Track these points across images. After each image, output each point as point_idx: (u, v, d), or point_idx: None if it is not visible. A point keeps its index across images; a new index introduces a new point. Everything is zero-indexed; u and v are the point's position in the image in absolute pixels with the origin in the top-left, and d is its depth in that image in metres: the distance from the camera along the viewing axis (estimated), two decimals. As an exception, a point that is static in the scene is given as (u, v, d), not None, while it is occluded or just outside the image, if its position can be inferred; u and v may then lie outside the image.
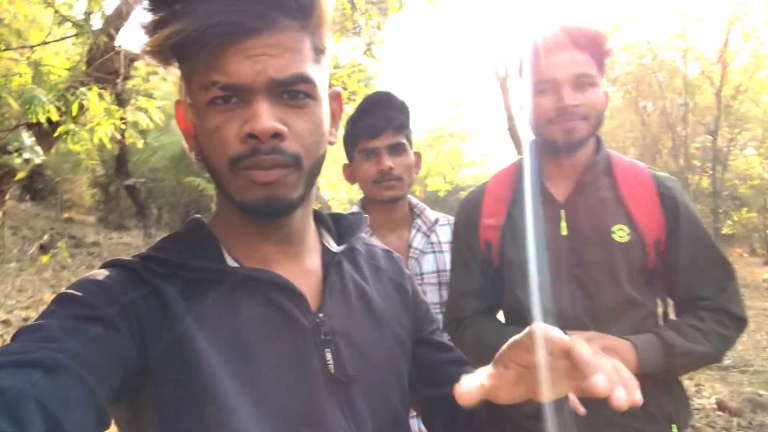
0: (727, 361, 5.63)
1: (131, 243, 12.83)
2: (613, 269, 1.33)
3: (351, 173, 1.76)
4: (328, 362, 0.71)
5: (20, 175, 3.44)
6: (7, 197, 4.06)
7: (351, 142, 1.71)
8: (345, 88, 7.34)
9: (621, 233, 1.33)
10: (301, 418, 0.66)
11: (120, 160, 12.52)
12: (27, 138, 2.95)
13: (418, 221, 1.77)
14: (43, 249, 9.86)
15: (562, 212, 1.39)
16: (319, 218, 0.85)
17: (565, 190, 1.42)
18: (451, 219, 1.82)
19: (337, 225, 0.87)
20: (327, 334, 0.72)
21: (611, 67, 11.57)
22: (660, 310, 1.45)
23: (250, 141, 0.64)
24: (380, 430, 0.73)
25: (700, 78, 9.89)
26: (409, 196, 1.80)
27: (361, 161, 1.68)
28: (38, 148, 3.02)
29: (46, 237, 10.39)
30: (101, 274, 0.66)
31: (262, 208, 0.67)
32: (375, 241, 1.56)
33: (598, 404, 1.04)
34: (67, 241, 11.32)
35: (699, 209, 11.65)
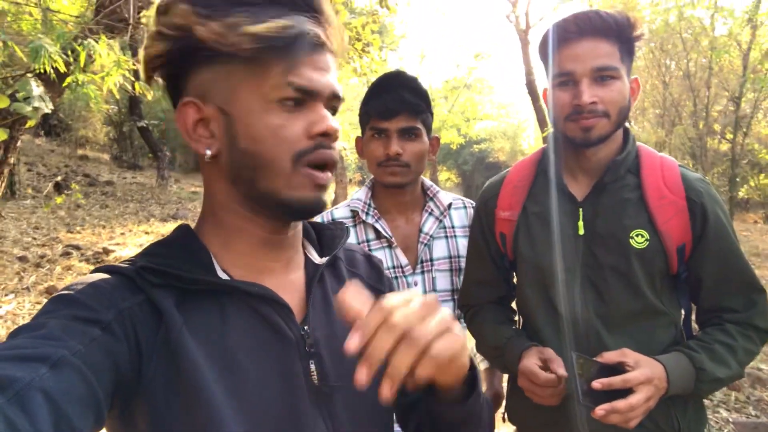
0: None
1: (145, 183, 12.98)
2: (629, 275, 1.27)
3: (362, 148, 1.68)
4: (312, 373, 0.74)
5: (30, 123, 3.46)
6: (18, 143, 4.10)
7: (364, 119, 1.64)
8: (359, 39, 7.17)
9: (639, 238, 1.26)
10: (285, 428, 0.69)
11: (133, 102, 12.50)
12: (35, 87, 2.95)
13: (431, 204, 1.69)
14: (58, 187, 10.01)
15: (581, 211, 1.33)
16: (302, 229, 0.87)
17: (585, 187, 1.35)
18: (467, 201, 1.78)
19: (319, 235, 0.89)
20: (312, 346, 0.74)
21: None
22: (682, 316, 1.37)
23: (320, 139, 0.71)
24: None
25: (728, 39, 9.51)
26: (423, 177, 1.72)
27: (370, 139, 1.60)
28: (47, 98, 3.02)
29: (59, 176, 10.52)
30: (97, 278, 0.67)
31: (312, 206, 0.73)
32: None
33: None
34: (82, 179, 11.47)
35: (715, 173, 11.49)
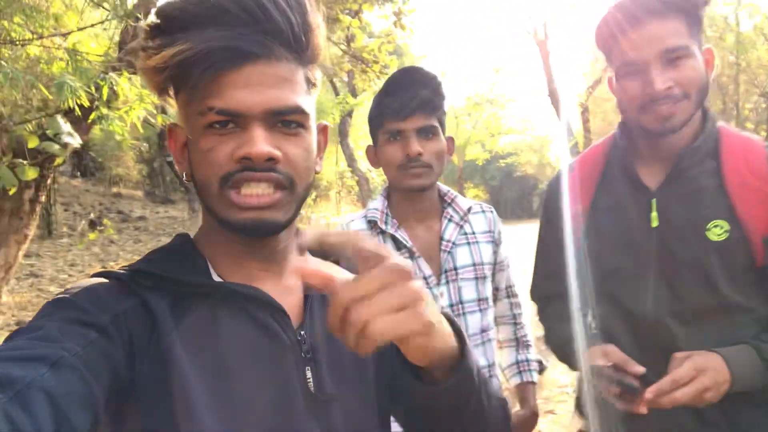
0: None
1: (176, 216, 13.25)
2: (707, 270, 1.17)
3: (375, 156, 1.58)
4: (308, 380, 0.71)
5: (59, 160, 3.56)
6: (49, 180, 4.23)
7: (376, 122, 1.53)
8: (376, 61, 7.22)
9: (718, 230, 1.17)
10: None
11: (162, 137, 12.85)
12: (63, 123, 3.05)
13: (449, 210, 1.60)
14: (92, 224, 10.29)
15: (654, 201, 1.23)
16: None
17: (659, 175, 1.25)
18: (485, 206, 1.70)
19: None
20: (308, 352, 0.72)
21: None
22: None
23: (245, 162, 0.66)
24: None
25: (754, 34, 9.31)
26: (438, 183, 1.63)
27: (386, 143, 1.50)
28: (75, 134, 3.12)
29: (93, 214, 10.82)
30: (93, 282, 0.67)
31: (249, 228, 0.69)
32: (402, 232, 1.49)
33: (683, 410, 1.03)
34: (115, 216, 11.78)
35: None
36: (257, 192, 0.68)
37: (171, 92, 0.72)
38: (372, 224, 1.56)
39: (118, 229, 10.54)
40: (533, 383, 1.72)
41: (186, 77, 0.66)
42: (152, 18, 0.68)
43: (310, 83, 0.74)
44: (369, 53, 7.40)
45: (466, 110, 20.67)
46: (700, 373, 1.06)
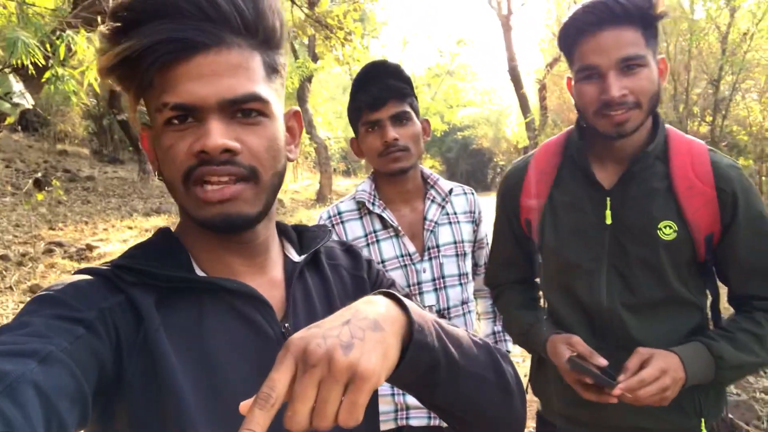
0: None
1: (126, 178, 12.80)
2: (657, 266, 1.27)
3: (359, 147, 1.70)
4: None
5: (9, 120, 3.40)
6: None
7: (355, 116, 1.66)
8: (341, 27, 7.10)
9: (668, 230, 1.25)
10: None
11: (112, 95, 12.27)
12: (15, 82, 2.90)
13: (432, 192, 1.73)
14: (38, 183, 9.84)
15: (608, 200, 1.31)
16: (282, 230, 0.88)
17: (613, 175, 1.32)
18: (466, 188, 1.83)
19: (300, 236, 0.89)
20: None
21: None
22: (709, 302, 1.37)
23: (201, 156, 0.66)
24: None
25: (706, 23, 9.62)
26: (421, 166, 1.77)
27: (365, 134, 1.63)
28: (27, 94, 2.97)
29: (39, 172, 10.34)
30: (77, 279, 0.67)
31: (218, 224, 0.69)
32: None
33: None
34: (62, 174, 11.28)
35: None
36: (217, 186, 0.67)
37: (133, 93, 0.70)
38: (360, 205, 1.69)
39: (66, 189, 10.13)
40: (508, 352, 1.86)
41: (134, 75, 0.65)
42: (108, 21, 0.66)
43: (272, 69, 0.73)
44: (333, 19, 7.26)
45: (426, 80, 20.61)
46: (663, 373, 1.16)
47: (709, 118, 10.65)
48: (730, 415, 1.47)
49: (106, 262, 0.71)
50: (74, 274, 0.69)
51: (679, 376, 1.18)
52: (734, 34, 9.62)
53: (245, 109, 0.68)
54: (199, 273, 0.74)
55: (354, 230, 1.67)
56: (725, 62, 9.03)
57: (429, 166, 27.62)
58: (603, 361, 1.22)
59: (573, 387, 1.27)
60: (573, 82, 1.31)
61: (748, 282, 1.29)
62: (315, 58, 13.06)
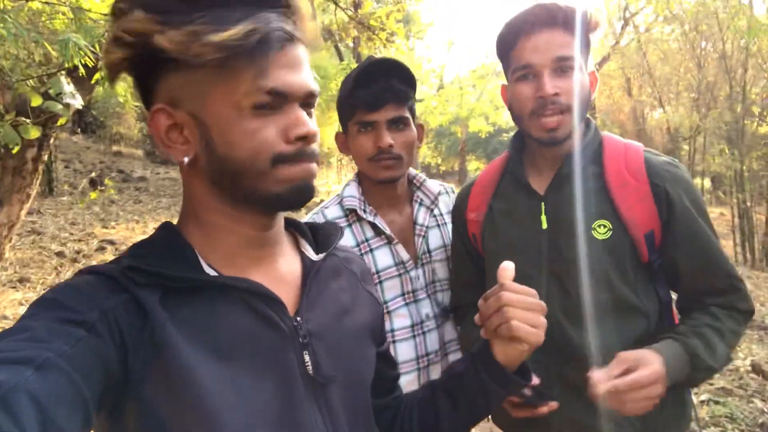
0: (769, 323, 5.48)
1: (177, 178, 13.22)
2: (595, 267, 1.23)
3: (345, 144, 1.57)
4: (307, 364, 0.74)
5: (62, 120, 3.55)
6: (51, 139, 4.22)
7: (347, 112, 1.51)
8: (383, 29, 7.12)
9: (602, 229, 1.24)
10: (282, 419, 0.69)
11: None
12: (66, 84, 3.02)
13: (419, 194, 1.62)
14: (93, 183, 10.28)
15: (542, 205, 1.31)
16: (296, 226, 0.88)
17: (546, 180, 1.33)
18: (448, 187, 1.73)
19: (314, 234, 0.89)
20: (305, 337, 0.74)
21: (668, 5, 10.78)
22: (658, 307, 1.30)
23: (299, 143, 0.70)
24: (354, 428, 0.77)
25: (767, 18, 9.17)
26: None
27: (357, 134, 1.50)
28: (77, 94, 3.09)
29: (94, 172, 10.80)
30: (78, 280, 0.66)
31: (305, 193, 0.73)
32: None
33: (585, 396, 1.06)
34: (116, 175, 11.76)
35: (753, 157, 11.04)
36: (312, 167, 0.73)
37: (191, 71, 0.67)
38: (350, 212, 1.56)
39: (119, 188, 10.54)
40: None
41: (243, 57, 0.65)
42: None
43: None
44: (376, 20, 7.30)
45: (471, 81, 20.43)
46: (658, 380, 1.08)
47: (769, 118, 10.14)
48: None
49: (112, 261, 0.71)
50: (77, 274, 0.69)
51: (660, 378, 1.08)
52: (797, 30, 9.13)
53: (309, 102, 0.73)
54: (207, 269, 0.73)
55: (344, 239, 1.47)
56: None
57: (474, 168, 27.36)
58: (535, 380, 1.14)
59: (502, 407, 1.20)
60: (508, 86, 1.31)
61: (698, 279, 1.25)
62: (359, 59, 13.16)
